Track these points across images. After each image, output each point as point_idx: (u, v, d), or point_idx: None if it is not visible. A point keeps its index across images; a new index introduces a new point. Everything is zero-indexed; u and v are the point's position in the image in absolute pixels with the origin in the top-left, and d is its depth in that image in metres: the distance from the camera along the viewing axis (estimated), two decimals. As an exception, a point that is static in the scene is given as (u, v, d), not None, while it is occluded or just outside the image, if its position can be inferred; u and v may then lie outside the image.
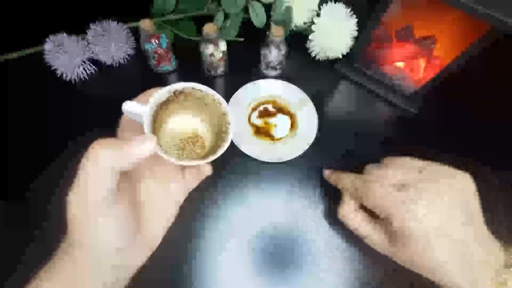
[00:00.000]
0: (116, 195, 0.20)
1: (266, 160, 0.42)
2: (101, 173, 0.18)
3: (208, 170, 0.27)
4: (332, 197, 0.41)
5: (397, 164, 0.32)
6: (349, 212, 0.34)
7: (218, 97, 0.25)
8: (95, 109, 0.45)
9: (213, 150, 0.25)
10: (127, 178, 0.22)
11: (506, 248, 0.27)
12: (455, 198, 0.27)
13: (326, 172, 0.39)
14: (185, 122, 0.27)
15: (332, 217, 0.40)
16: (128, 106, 0.23)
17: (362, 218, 0.33)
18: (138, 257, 0.23)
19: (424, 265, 0.27)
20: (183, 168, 0.27)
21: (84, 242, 0.20)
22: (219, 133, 0.26)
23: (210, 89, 0.25)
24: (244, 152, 0.42)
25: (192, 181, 0.27)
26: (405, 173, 0.30)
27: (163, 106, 0.25)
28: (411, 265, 0.29)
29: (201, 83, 0.25)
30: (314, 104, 0.46)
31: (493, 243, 0.27)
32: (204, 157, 0.25)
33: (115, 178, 0.19)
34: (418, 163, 0.31)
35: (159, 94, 0.23)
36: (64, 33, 0.45)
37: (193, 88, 0.25)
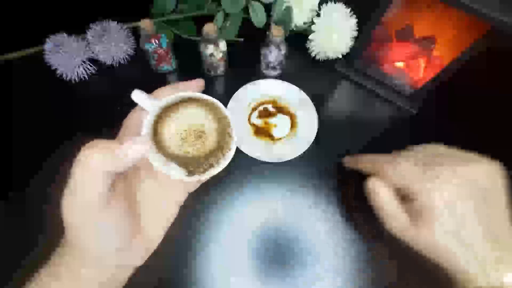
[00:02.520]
0: (111, 197, 0.19)
1: (266, 160, 0.42)
2: (92, 177, 0.18)
3: None
4: (333, 197, 0.41)
5: (420, 148, 0.32)
6: (380, 185, 0.31)
7: (227, 114, 0.24)
8: (95, 109, 0.45)
9: (213, 153, 0.25)
10: (125, 179, 0.22)
11: None
12: (480, 182, 0.27)
13: (345, 159, 0.40)
14: (194, 115, 0.26)
15: (333, 217, 0.40)
16: (136, 97, 0.22)
17: (391, 194, 0.31)
18: (137, 258, 0.23)
19: (439, 244, 0.27)
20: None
21: (78, 245, 0.20)
22: (220, 146, 0.26)
23: (219, 103, 0.24)
24: (244, 152, 0.42)
25: (192, 182, 0.27)
26: (429, 155, 0.30)
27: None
28: (428, 247, 0.28)
29: (174, 95, 0.24)
30: (314, 104, 0.46)
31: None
32: (206, 155, 0.25)
33: (106, 182, 0.18)
34: (442, 148, 0.31)
35: (166, 99, 0.22)
36: (64, 33, 0.45)
37: (201, 99, 0.24)
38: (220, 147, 0.25)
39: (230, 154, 0.25)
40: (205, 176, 0.24)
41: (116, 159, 0.18)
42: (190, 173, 0.24)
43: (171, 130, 0.25)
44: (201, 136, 0.26)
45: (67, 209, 0.19)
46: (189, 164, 0.24)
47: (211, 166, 0.24)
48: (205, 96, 0.23)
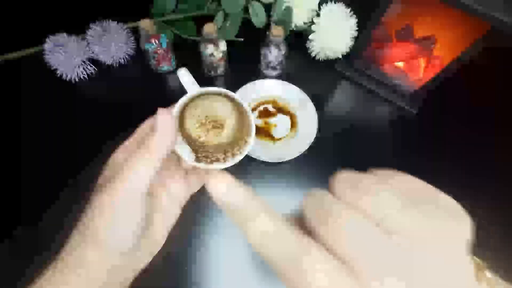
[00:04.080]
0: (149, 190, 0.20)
1: (266, 160, 0.42)
2: (149, 163, 0.20)
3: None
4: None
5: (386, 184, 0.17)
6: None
7: (252, 123, 0.25)
8: (95, 109, 0.45)
9: (223, 148, 0.26)
10: None
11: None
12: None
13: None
14: (221, 108, 0.27)
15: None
16: (182, 77, 0.24)
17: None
18: (142, 259, 0.23)
19: None
20: (186, 169, 0.27)
21: (99, 237, 0.20)
22: (233, 146, 0.26)
23: (248, 109, 0.25)
24: (244, 152, 0.42)
25: (195, 184, 0.27)
26: (391, 204, 0.16)
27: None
28: None
29: (201, 83, 0.25)
30: (314, 104, 0.46)
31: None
32: (216, 147, 0.26)
33: (157, 170, 0.20)
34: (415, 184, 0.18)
35: (207, 89, 0.23)
36: (64, 33, 0.45)
37: (236, 100, 0.25)
38: (232, 146, 0.26)
39: (240, 157, 0.25)
40: (211, 167, 0.24)
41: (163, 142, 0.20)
42: (198, 159, 0.24)
43: (194, 112, 0.26)
44: (217, 127, 0.26)
45: (109, 197, 0.20)
46: (199, 151, 0.25)
47: (217, 160, 0.25)
48: (242, 102, 0.24)
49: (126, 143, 0.24)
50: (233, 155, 0.25)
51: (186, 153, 0.24)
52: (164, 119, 0.20)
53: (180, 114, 0.25)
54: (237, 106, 0.26)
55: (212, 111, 0.26)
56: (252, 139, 0.25)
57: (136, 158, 0.20)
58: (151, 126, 0.21)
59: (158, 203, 0.25)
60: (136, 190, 0.20)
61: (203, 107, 0.26)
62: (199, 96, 0.25)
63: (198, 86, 0.24)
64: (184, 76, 0.25)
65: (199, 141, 0.26)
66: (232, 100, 0.25)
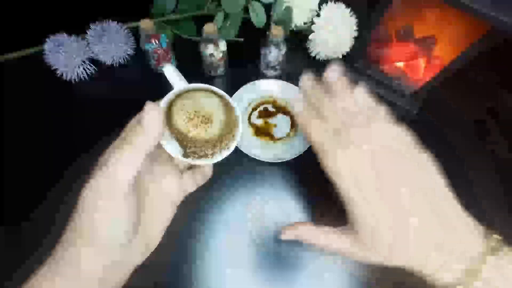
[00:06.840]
0: (134, 186, 0.21)
1: (266, 160, 0.42)
2: (131, 158, 0.20)
3: (208, 172, 0.28)
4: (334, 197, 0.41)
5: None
6: (307, 231, 0.30)
7: (238, 114, 0.26)
8: (95, 109, 0.45)
9: (211, 144, 0.26)
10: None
11: (487, 234, 0.23)
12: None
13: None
14: (208, 103, 0.27)
15: (333, 216, 0.40)
16: (168, 74, 0.25)
17: (322, 232, 0.29)
18: (137, 255, 0.23)
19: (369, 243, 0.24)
20: (181, 169, 0.27)
21: (88, 233, 0.20)
22: (221, 140, 0.26)
23: (234, 103, 0.25)
24: (244, 152, 0.42)
25: (190, 184, 0.27)
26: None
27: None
28: (371, 254, 0.25)
29: (201, 83, 0.25)
30: (314, 104, 0.46)
31: (468, 225, 0.23)
32: (205, 142, 0.26)
33: (142, 164, 0.20)
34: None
35: (194, 85, 0.24)
36: (64, 33, 0.45)
37: (223, 96, 0.25)
38: (220, 141, 0.26)
39: (227, 152, 0.26)
40: (198, 162, 0.25)
41: (147, 135, 0.20)
42: (185, 155, 0.25)
43: (183, 108, 0.26)
44: (206, 122, 0.26)
45: (94, 191, 0.20)
46: (187, 146, 0.25)
47: (205, 155, 0.25)
48: (229, 98, 0.25)
49: (118, 139, 0.24)
50: (221, 150, 0.26)
51: (173, 148, 0.24)
52: (151, 111, 0.21)
53: (168, 110, 0.25)
54: (225, 102, 0.26)
55: (200, 107, 0.26)
56: (239, 134, 0.25)
57: (122, 150, 0.20)
58: (139, 119, 0.22)
59: (150, 200, 0.25)
60: (122, 182, 0.20)
61: (191, 102, 0.26)
62: (186, 92, 0.25)
63: (185, 82, 0.24)
64: (170, 72, 0.25)
65: (188, 136, 0.26)
66: (219, 96, 0.25)
